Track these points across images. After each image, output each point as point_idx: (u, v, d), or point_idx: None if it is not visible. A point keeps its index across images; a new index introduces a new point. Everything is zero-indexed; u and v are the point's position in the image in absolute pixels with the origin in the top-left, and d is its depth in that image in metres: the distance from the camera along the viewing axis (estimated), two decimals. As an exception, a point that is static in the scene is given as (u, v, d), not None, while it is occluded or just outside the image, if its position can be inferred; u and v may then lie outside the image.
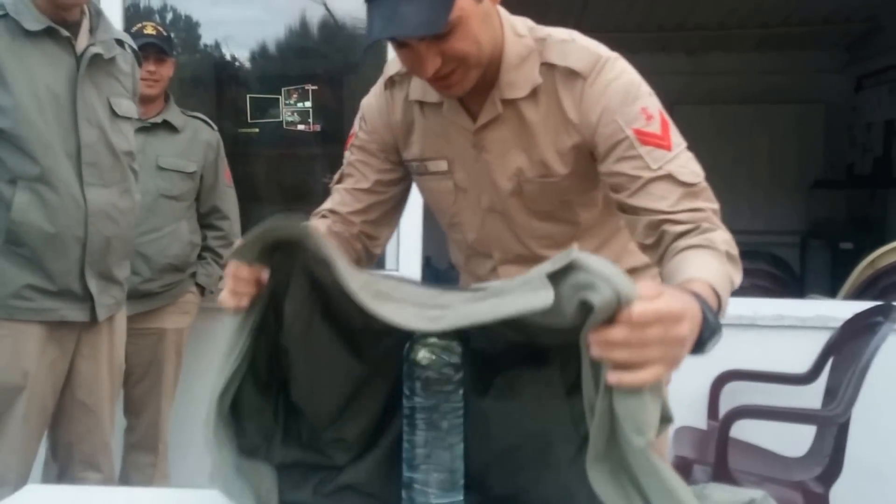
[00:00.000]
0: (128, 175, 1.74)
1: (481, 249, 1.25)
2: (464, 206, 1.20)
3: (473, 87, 1.07)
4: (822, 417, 2.02)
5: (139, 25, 2.28)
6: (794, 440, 2.22)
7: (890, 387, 2.29)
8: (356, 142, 1.24)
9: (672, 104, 2.09)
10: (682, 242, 0.99)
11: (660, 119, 1.05)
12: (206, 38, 3.04)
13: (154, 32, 2.25)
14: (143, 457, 2.29)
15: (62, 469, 1.77)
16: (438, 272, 4.61)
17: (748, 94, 5.24)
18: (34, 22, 1.57)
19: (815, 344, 2.31)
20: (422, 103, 1.17)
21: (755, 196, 5.33)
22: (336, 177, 1.27)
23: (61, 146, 1.59)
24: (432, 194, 1.24)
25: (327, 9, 2.97)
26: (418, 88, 1.17)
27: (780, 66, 5.21)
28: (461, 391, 0.94)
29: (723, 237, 0.98)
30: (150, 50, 2.20)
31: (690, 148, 1.07)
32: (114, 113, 1.69)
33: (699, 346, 0.77)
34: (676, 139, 1.06)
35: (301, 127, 2.80)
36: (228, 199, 2.42)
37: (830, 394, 2.14)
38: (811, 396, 2.25)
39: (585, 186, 1.15)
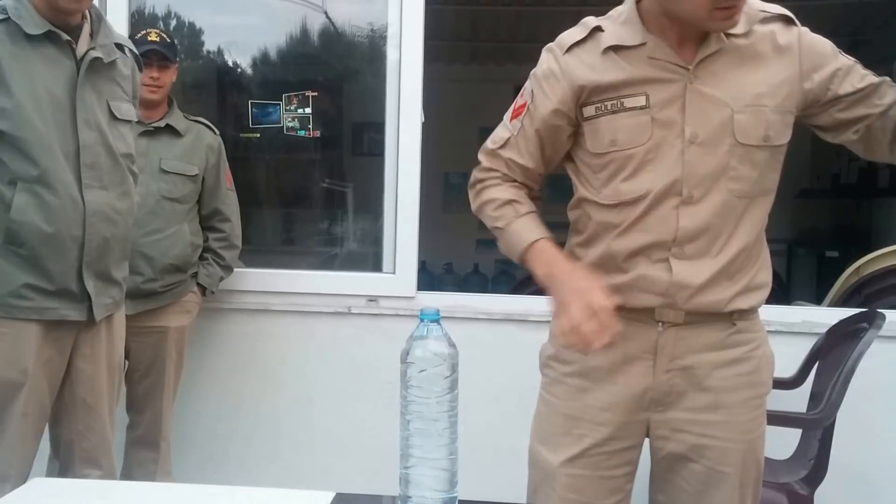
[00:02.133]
0: (126, 177, 1.75)
1: (669, 192, 1.24)
2: (660, 140, 1.24)
3: (682, 27, 1.21)
4: (807, 421, 2.05)
5: (143, 32, 2.31)
6: (780, 443, 2.25)
7: (874, 391, 2.34)
8: (530, 107, 1.32)
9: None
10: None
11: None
12: (209, 44, 3.07)
13: (157, 39, 2.28)
14: (145, 453, 2.31)
15: (63, 466, 1.79)
16: (434, 276, 4.67)
17: (737, 105, 5.34)
18: (35, 26, 1.59)
19: (800, 349, 2.36)
20: (618, 48, 1.26)
21: (743, 205, 5.40)
22: (493, 145, 1.36)
23: (60, 148, 1.60)
24: (623, 132, 1.25)
25: (327, 16, 3.02)
26: (612, 37, 1.27)
27: (768, 78, 5.29)
28: (456, 390, 0.97)
29: None
30: (154, 56, 2.24)
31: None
32: (113, 116, 1.71)
33: None
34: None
35: (301, 132, 2.84)
36: (230, 202, 2.45)
37: (815, 398, 2.18)
38: (797, 400, 2.28)
39: (785, 127, 1.26)
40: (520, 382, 2.29)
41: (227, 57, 3.08)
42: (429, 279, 4.14)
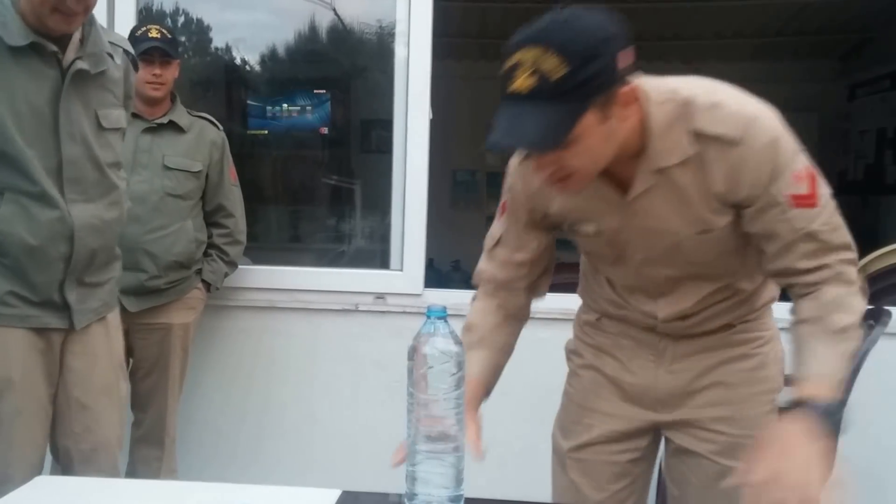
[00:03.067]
0: (114, 186, 1.70)
1: (637, 290, 1.28)
2: (620, 254, 1.24)
3: (617, 159, 1.08)
4: (812, 417, 2.07)
5: (144, 28, 2.28)
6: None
7: (880, 389, 2.33)
8: (509, 208, 1.29)
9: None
10: (801, 311, 1.11)
11: (807, 177, 1.10)
12: (217, 41, 3.08)
13: (158, 35, 2.26)
14: (149, 451, 2.31)
15: (64, 471, 1.75)
16: (441, 273, 4.68)
17: (744, 102, 5.33)
18: (18, 37, 1.52)
19: (807, 346, 2.36)
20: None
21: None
22: (490, 242, 1.33)
23: (42, 163, 1.55)
24: (590, 247, 1.30)
25: (336, 13, 3.02)
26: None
27: (774, 75, 5.20)
28: (463, 387, 0.96)
29: (840, 297, 1.08)
30: (155, 53, 2.22)
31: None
32: (100, 126, 1.65)
33: (834, 434, 0.97)
34: (822, 191, 1.12)
35: (309, 129, 2.85)
36: (234, 198, 2.44)
37: (821, 394, 2.20)
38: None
39: (737, 232, 1.16)
40: (527, 379, 2.31)
41: (234, 54, 3.09)
42: (436, 276, 4.14)
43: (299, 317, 2.56)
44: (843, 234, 1.13)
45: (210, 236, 2.40)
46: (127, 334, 2.12)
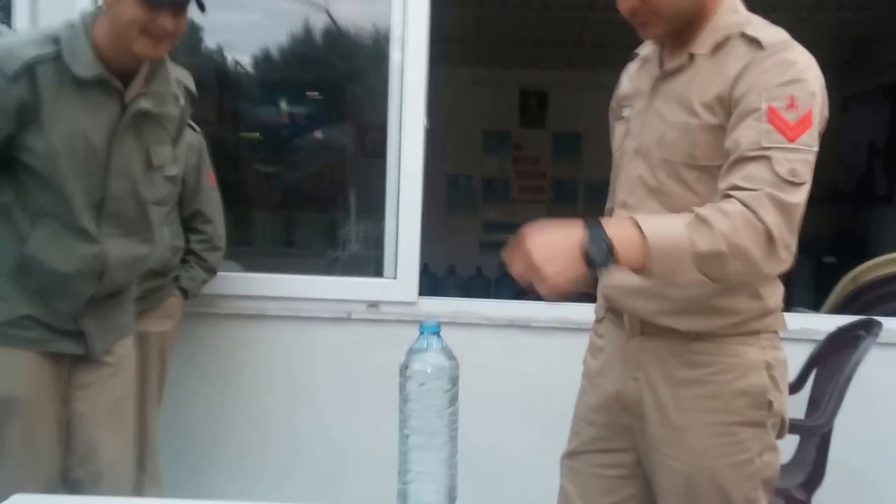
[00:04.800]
0: (151, 224, 1.68)
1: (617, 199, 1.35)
2: (625, 149, 1.32)
3: (681, 25, 1.21)
4: (805, 427, 2.06)
5: None
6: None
7: (871, 398, 2.34)
8: None
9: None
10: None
11: (802, 115, 1.09)
12: (209, 42, 3.04)
13: None
14: None
15: (71, 493, 1.70)
16: (436, 279, 4.65)
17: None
18: (86, 68, 1.48)
19: (799, 355, 2.36)
20: (641, 59, 1.36)
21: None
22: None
23: (85, 196, 1.53)
24: (615, 149, 1.39)
25: (330, 16, 2.99)
26: (645, 46, 1.36)
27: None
28: (456, 404, 0.95)
29: (733, 210, 1.05)
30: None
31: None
32: (150, 164, 1.63)
33: (588, 255, 1.03)
34: (806, 139, 1.09)
35: (302, 133, 2.82)
36: (212, 202, 2.36)
37: (814, 404, 2.19)
38: (795, 406, 2.27)
39: (716, 147, 1.16)
40: (523, 390, 2.40)
41: (227, 55, 3.05)
42: (431, 282, 4.12)
43: (291, 325, 2.52)
44: (797, 193, 1.08)
45: (187, 242, 2.33)
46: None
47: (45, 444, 1.62)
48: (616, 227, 1.05)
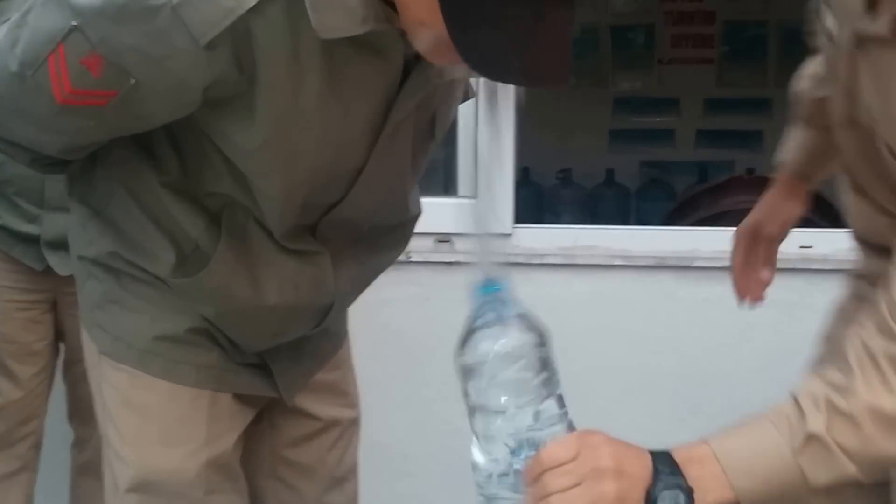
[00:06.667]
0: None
1: None
2: None
3: None
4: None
5: None
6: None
7: None
8: None
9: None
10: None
11: None
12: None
13: None
14: (95, 483, 1.77)
15: None
16: (541, 191, 3.77)
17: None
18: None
19: None
20: None
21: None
22: None
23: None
24: None
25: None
26: None
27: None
28: (555, 391, 0.76)
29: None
30: None
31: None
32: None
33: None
34: None
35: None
36: None
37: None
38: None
39: None
40: (672, 356, 2.03)
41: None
42: (534, 197, 3.20)
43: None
44: None
45: None
46: (53, 309, 1.74)
47: None
48: (692, 464, 0.80)
